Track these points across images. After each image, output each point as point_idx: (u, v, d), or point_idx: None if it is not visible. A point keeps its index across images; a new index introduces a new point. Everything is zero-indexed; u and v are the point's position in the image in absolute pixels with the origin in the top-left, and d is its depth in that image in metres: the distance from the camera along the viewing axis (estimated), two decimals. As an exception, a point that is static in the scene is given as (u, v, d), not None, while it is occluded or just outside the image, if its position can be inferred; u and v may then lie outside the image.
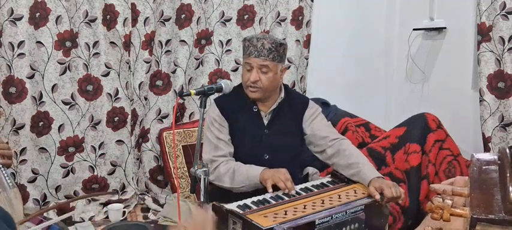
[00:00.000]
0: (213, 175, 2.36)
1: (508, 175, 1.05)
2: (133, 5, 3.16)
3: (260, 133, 2.45)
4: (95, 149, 3.22)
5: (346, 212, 2.08)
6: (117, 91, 3.21)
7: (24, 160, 3.06)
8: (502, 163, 1.08)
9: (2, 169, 1.84)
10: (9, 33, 2.90)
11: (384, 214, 2.27)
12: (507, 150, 1.07)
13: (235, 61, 3.49)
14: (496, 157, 1.10)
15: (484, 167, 1.12)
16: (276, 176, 2.24)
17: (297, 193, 2.29)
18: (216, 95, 3.18)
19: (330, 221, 2.03)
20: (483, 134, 3.04)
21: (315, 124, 2.51)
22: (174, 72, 3.36)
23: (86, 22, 3.07)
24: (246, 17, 3.45)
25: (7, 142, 2.37)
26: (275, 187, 2.24)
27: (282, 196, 2.22)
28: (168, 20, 3.28)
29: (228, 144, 2.43)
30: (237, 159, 2.43)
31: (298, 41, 3.60)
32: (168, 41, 3.31)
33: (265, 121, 2.46)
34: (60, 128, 3.12)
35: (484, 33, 2.97)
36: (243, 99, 2.47)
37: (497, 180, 1.09)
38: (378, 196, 2.20)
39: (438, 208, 1.34)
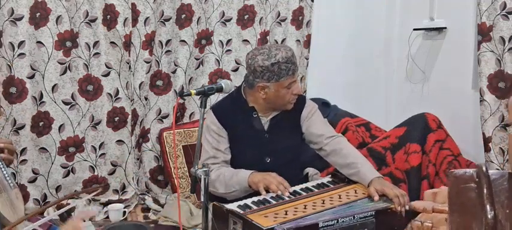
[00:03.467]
0: None
1: (486, 196, 1.03)
2: (133, 5, 3.16)
3: (261, 137, 2.44)
4: (95, 149, 3.22)
5: (354, 217, 2.04)
6: (118, 91, 3.21)
7: (24, 160, 3.06)
8: (479, 182, 1.05)
9: (3, 169, 1.84)
10: (9, 33, 2.90)
11: (397, 222, 2.20)
12: (484, 168, 1.05)
13: (236, 61, 3.49)
14: (474, 173, 1.07)
15: (461, 186, 1.09)
16: (268, 179, 2.24)
17: (297, 193, 2.29)
18: (217, 95, 3.21)
19: (335, 225, 1.99)
20: (483, 134, 3.04)
21: (311, 122, 2.51)
22: (174, 72, 3.37)
23: (86, 22, 3.07)
24: (246, 17, 3.45)
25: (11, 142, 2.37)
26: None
27: (282, 196, 2.22)
28: (168, 20, 3.28)
29: (224, 153, 2.42)
30: (238, 164, 2.42)
31: (298, 41, 3.60)
32: (168, 41, 3.31)
33: (266, 127, 2.46)
34: (61, 128, 3.12)
35: (484, 33, 2.97)
36: (241, 105, 2.45)
37: (475, 200, 1.07)
38: (377, 197, 2.20)
39: None
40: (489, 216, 1.00)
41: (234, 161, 2.45)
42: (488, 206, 1.00)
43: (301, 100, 2.52)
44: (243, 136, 2.43)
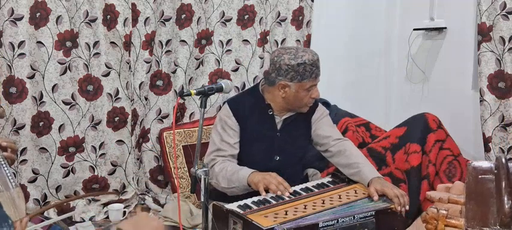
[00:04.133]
0: (210, 175, 2.37)
1: (504, 187, 1.03)
2: (133, 5, 3.16)
3: (273, 135, 2.47)
4: (95, 149, 3.22)
5: (354, 217, 2.04)
6: (118, 91, 3.21)
7: (24, 160, 3.06)
8: (498, 173, 1.06)
9: (5, 167, 1.84)
10: (9, 33, 2.90)
11: (397, 222, 2.20)
12: (503, 160, 1.05)
13: (236, 61, 3.49)
14: (492, 165, 1.08)
15: (480, 176, 1.10)
16: (267, 180, 2.25)
17: (297, 193, 2.29)
18: (217, 95, 3.21)
19: (335, 225, 2.00)
20: (483, 134, 3.04)
21: (320, 124, 2.55)
22: (174, 72, 3.37)
23: (86, 22, 3.07)
24: (246, 17, 3.45)
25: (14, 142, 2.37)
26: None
27: (283, 196, 2.23)
28: (168, 20, 3.28)
29: (232, 147, 2.44)
30: (247, 159, 2.44)
31: (298, 41, 3.60)
32: (168, 41, 3.31)
33: (279, 126, 2.48)
34: (61, 128, 3.12)
35: (484, 33, 2.97)
36: (257, 102, 2.48)
37: (493, 191, 1.07)
38: (376, 197, 2.21)
39: (433, 219, 1.33)
40: (507, 206, 1.00)
41: (243, 156, 2.46)
42: (505, 197, 1.01)
43: (313, 104, 2.55)
44: (256, 132, 2.45)
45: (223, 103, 2.56)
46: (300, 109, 2.46)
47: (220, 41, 3.43)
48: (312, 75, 2.37)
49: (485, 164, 1.07)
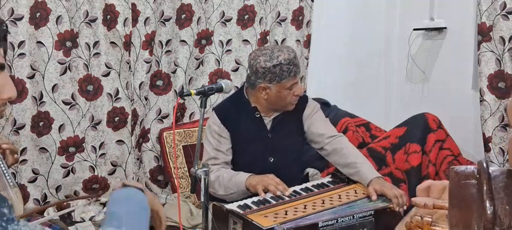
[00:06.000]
0: None
1: (485, 191, 1.03)
2: (133, 5, 3.16)
3: (264, 137, 2.45)
4: (95, 149, 3.22)
5: (353, 216, 2.04)
6: (118, 91, 3.21)
7: (24, 160, 3.06)
8: (479, 178, 1.06)
9: (4, 168, 1.84)
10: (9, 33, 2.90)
11: (396, 222, 2.20)
12: (484, 164, 1.05)
13: (236, 61, 3.49)
14: (475, 170, 1.08)
15: (462, 181, 1.09)
16: (266, 181, 2.24)
17: (297, 193, 2.29)
18: (217, 95, 3.21)
19: (334, 225, 2.00)
20: (483, 134, 3.04)
21: (313, 121, 2.52)
22: (174, 72, 3.37)
23: (86, 22, 3.07)
24: (246, 17, 3.45)
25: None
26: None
27: (283, 196, 2.22)
28: (168, 20, 3.28)
29: (225, 154, 2.43)
30: (242, 163, 2.42)
31: (298, 41, 3.60)
32: (168, 41, 3.31)
33: (268, 126, 2.46)
34: (61, 128, 3.12)
35: (484, 33, 2.97)
36: (243, 105, 2.45)
37: (476, 196, 1.07)
38: (375, 197, 2.20)
39: (417, 227, 1.33)
40: (488, 212, 1.00)
41: (237, 161, 2.45)
42: (487, 202, 1.01)
43: (303, 100, 2.53)
44: (246, 136, 2.43)
45: (213, 110, 2.53)
46: (285, 108, 2.44)
47: (220, 41, 3.43)
48: (290, 74, 2.32)
49: (467, 169, 1.07)
